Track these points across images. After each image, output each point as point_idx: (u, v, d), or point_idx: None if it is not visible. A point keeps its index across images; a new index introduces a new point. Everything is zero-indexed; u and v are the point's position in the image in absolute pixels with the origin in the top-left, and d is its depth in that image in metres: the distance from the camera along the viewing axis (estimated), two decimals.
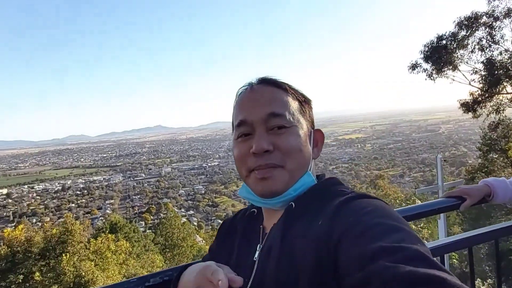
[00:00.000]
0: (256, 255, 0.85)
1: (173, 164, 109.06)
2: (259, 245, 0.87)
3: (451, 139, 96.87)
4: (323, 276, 0.67)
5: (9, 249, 11.11)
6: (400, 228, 0.63)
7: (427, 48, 14.44)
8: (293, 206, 0.83)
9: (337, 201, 0.75)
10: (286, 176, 0.84)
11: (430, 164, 74.68)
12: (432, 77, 14.90)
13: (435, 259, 0.56)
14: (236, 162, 0.90)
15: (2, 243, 12.55)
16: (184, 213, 60.81)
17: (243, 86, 0.94)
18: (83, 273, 10.77)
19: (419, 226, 16.84)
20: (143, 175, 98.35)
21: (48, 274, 10.79)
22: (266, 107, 0.85)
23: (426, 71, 14.90)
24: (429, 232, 17.39)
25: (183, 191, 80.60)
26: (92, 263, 11.56)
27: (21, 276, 10.62)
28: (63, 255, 10.96)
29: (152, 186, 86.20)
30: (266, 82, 0.91)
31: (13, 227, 14.05)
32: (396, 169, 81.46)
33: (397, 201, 19.70)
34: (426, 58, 14.58)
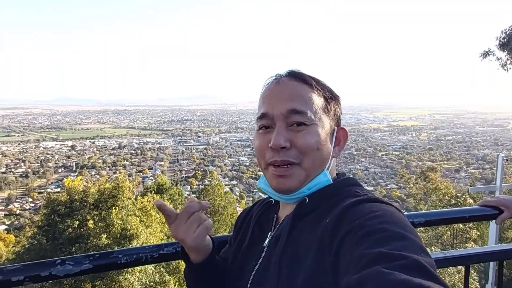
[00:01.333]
0: (266, 242, 0.91)
1: (221, 134, 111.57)
2: (270, 232, 0.93)
3: None
4: (322, 272, 0.70)
5: (68, 196, 12.35)
6: (405, 236, 0.62)
7: (504, 35, 12.98)
8: (307, 201, 0.86)
9: (347, 201, 0.77)
10: (302, 174, 0.86)
11: (491, 162, 69.10)
12: (505, 67, 13.48)
13: (435, 271, 0.55)
14: (256, 153, 0.93)
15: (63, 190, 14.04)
16: (227, 183, 62.59)
17: (271, 77, 0.95)
18: (129, 227, 11.71)
19: (467, 226, 15.80)
20: (192, 141, 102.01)
21: (99, 223, 11.87)
22: (289, 102, 0.86)
23: (500, 60, 13.51)
24: (478, 233, 16.25)
25: (228, 161, 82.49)
26: (138, 219, 12.49)
27: (77, 222, 11.79)
28: (113, 208, 11.93)
29: (200, 153, 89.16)
30: (293, 76, 0.91)
31: (75, 177, 15.48)
32: (452, 162, 76.28)
33: (446, 197, 18.57)
34: (502, 46, 13.14)
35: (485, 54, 13.78)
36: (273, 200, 1.01)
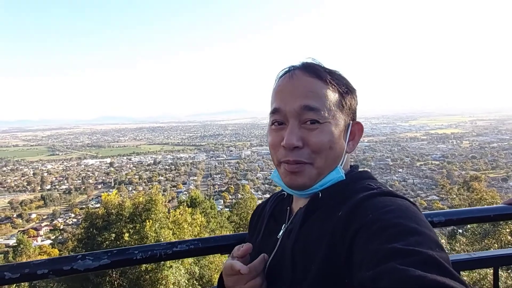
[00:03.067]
0: (280, 234, 0.91)
1: (253, 148, 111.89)
2: (284, 225, 0.93)
3: None
4: (333, 265, 0.70)
5: (105, 210, 12.92)
6: (420, 231, 0.61)
7: None
8: (320, 195, 0.85)
9: (360, 195, 0.75)
10: (314, 172, 0.86)
11: None
12: None
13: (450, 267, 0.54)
14: (270, 149, 0.93)
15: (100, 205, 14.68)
16: (260, 196, 62.23)
17: (284, 70, 0.93)
18: (162, 239, 11.94)
19: None
20: (224, 156, 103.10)
21: (134, 236, 12.24)
22: (302, 99, 0.84)
23: None
24: None
25: (260, 174, 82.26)
26: (171, 231, 12.75)
27: (113, 235, 12.25)
28: (147, 221, 12.28)
29: (232, 167, 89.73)
30: (307, 69, 0.89)
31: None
32: (498, 171, 71.48)
33: None
34: None
35: None
36: (286, 193, 1.02)
